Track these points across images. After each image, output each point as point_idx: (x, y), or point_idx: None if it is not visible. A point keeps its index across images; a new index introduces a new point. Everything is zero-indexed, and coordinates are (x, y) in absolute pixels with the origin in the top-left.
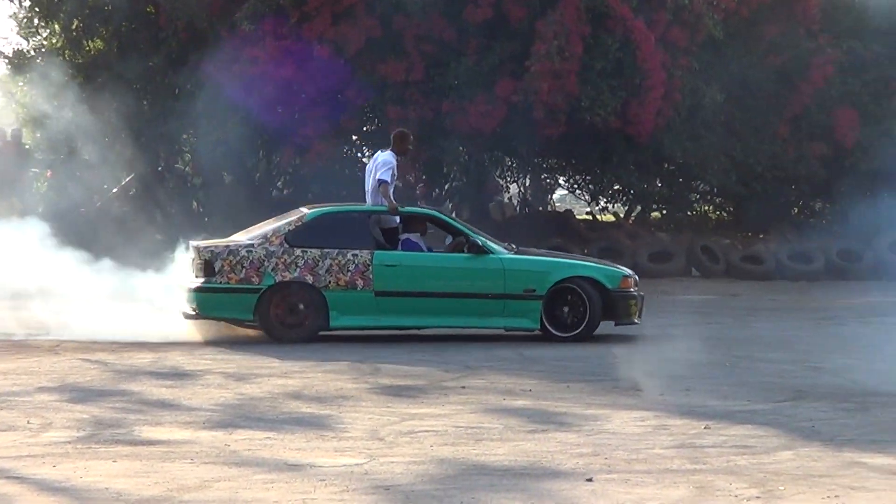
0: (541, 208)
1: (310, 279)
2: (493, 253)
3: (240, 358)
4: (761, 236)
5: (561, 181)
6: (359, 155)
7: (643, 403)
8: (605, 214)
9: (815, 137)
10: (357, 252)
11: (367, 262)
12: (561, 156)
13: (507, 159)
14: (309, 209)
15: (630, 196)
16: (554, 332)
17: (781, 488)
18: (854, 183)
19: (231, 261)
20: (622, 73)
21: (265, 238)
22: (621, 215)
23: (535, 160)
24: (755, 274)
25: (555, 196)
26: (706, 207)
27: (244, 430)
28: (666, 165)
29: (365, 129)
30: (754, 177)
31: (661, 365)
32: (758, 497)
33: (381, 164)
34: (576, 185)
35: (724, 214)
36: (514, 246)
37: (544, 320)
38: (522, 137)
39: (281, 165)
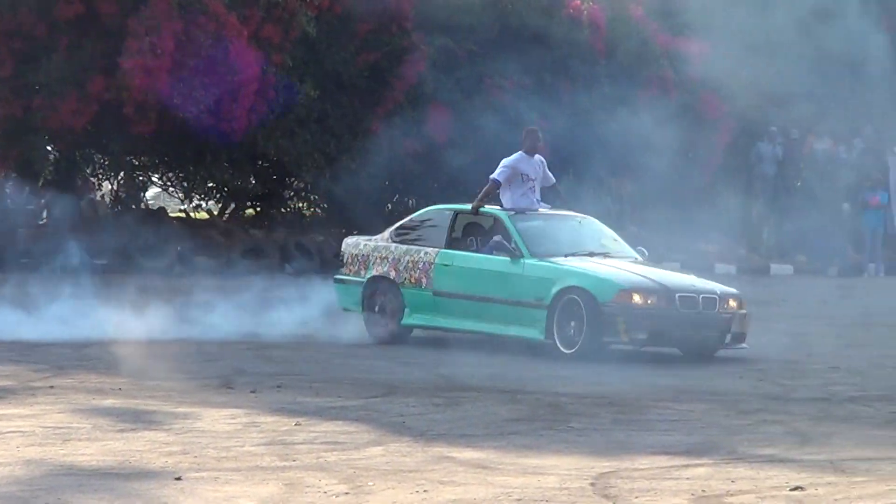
0: (134, 206)
1: (392, 275)
2: (523, 257)
3: None
4: (355, 233)
5: (154, 179)
6: None
7: (234, 401)
8: (198, 212)
9: (408, 134)
10: (428, 250)
11: (432, 260)
12: (154, 153)
13: (99, 157)
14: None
15: (224, 193)
16: (559, 345)
17: (371, 484)
18: (446, 179)
19: (353, 253)
20: (215, 70)
21: (385, 233)
22: (215, 212)
23: (128, 158)
24: None
25: (148, 194)
26: (300, 204)
27: None
28: (260, 162)
29: None
30: (348, 173)
31: (253, 362)
32: (346, 493)
33: (501, 163)
34: (169, 183)
35: (319, 211)
36: (644, 251)
37: (554, 332)
38: (114, 135)
39: None
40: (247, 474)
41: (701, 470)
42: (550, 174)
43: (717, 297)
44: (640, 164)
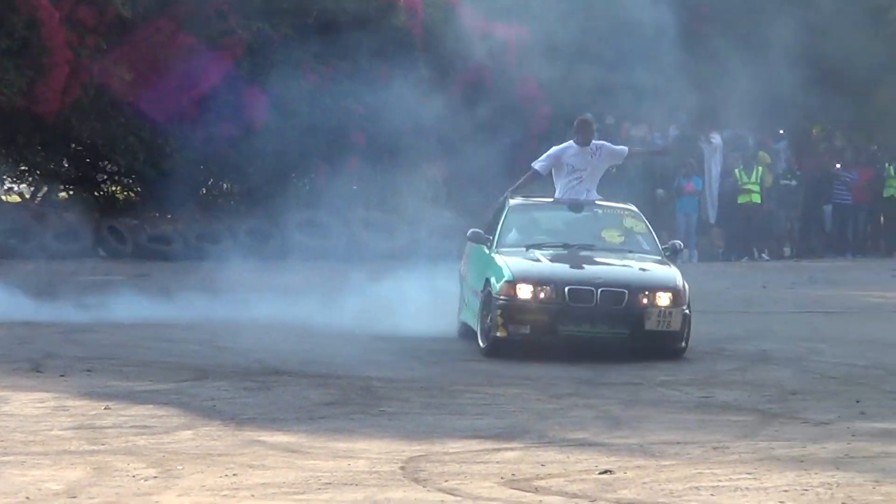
0: None
1: (463, 270)
2: (491, 248)
3: None
4: (169, 217)
5: None
6: None
7: (43, 385)
8: (10, 195)
9: (224, 118)
10: (474, 245)
11: (469, 252)
12: None
13: None
14: None
15: (36, 176)
16: (479, 339)
17: (180, 468)
18: (263, 163)
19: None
20: (28, 52)
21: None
22: (27, 196)
23: None
24: (164, 254)
25: None
26: (114, 188)
27: None
28: (73, 145)
29: None
30: (163, 157)
31: (63, 345)
32: (155, 477)
33: (546, 153)
34: None
35: (132, 195)
36: (678, 244)
37: (478, 325)
38: None
39: None
40: (55, 458)
41: (511, 454)
42: (619, 147)
43: (625, 291)
44: (456, 149)
